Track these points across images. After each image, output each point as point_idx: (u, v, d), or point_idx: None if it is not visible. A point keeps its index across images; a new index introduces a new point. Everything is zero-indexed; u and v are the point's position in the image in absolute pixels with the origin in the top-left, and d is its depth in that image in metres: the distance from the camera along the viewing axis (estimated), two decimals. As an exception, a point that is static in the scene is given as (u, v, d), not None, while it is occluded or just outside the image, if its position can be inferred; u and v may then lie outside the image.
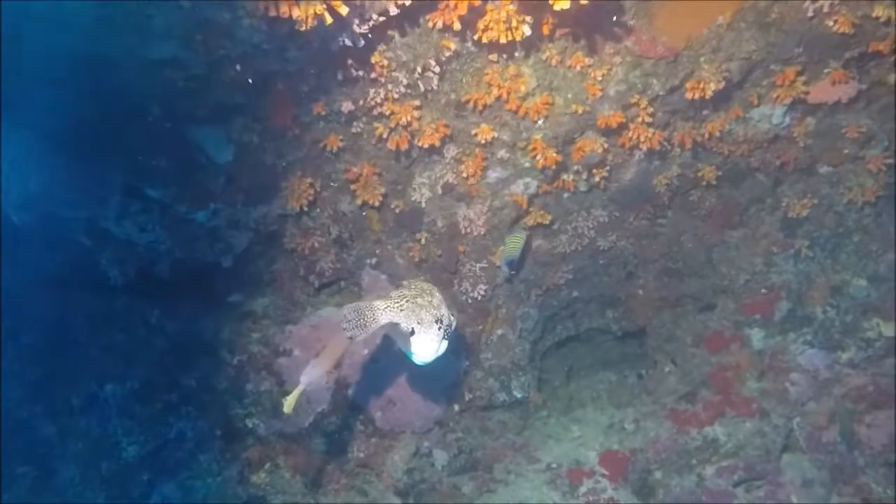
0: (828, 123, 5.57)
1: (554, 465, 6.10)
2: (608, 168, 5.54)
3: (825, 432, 5.90)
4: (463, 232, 5.56)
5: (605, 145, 5.28)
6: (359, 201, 5.41)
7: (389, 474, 5.84)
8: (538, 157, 5.10)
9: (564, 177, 5.62)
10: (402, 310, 3.12)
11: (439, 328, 3.16)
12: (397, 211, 5.56)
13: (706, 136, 5.51)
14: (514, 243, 5.55)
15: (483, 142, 5.02)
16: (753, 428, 5.92)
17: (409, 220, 5.58)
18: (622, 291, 6.88)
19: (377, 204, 5.42)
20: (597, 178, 5.58)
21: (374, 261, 5.83)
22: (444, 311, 3.25)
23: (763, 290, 6.21)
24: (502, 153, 5.21)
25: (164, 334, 5.37)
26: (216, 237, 5.14)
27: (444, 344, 3.25)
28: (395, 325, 3.13)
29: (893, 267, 6.03)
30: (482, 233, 5.58)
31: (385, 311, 3.07)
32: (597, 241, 6.30)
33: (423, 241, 5.65)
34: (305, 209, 5.41)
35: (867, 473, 5.78)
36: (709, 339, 6.37)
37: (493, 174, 5.38)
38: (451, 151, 5.23)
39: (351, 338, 3.01)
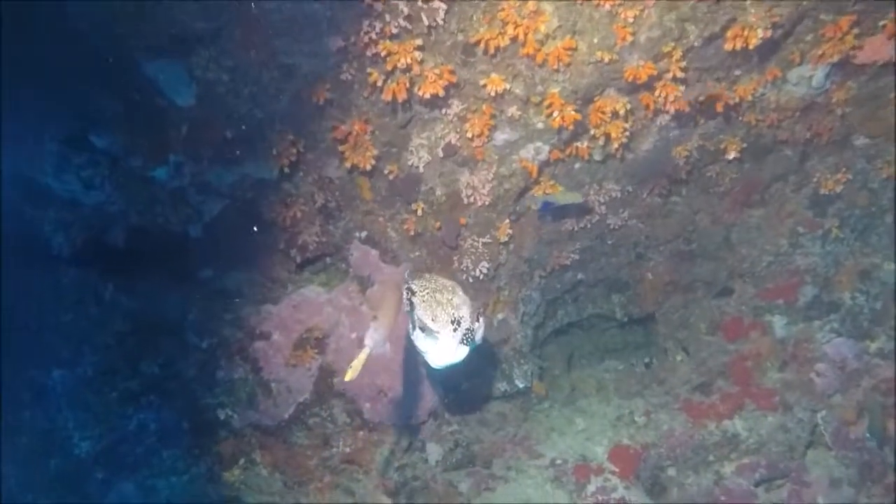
0: (871, 88, 4.74)
1: (559, 461, 5.24)
2: (628, 133, 4.63)
3: (853, 427, 5.10)
4: (465, 202, 4.65)
5: (628, 106, 4.39)
6: (347, 165, 4.48)
7: (378, 471, 4.94)
8: (555, 114, 4.21)
9: (578, 144, 4.72)
10: (423, 301, 2.69)
11: (455, 330, 2.66)
12: (391, 177, 4.63)
13: (738, 99, 4.63)
14: (566, 195, 4.81)
15: (493, 94, 4.12)
16: (776, 422, 5.10)
17: (405, 188, 4.65)
18: (630, 275, 6.03)
19: (368, 168, 4.49)
20: (615, 146, 4.67)
21: (363, 234, 4.90)
22: (464, 312, 2.72)
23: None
24: (513, 110, 4.29)
25: (121, 313, 4.41)
26: (181, 201, 4.19)
27: (463, 350, 2.71)
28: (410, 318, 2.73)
29: (928, 250, 5.23)
30: (486, 203, 4.67)
31: (416, 296, 2.70)
32: (607, 218, 5.43)
33: (419, 211, 4.72)
34: (286, 172, 4.45)
35: (896, 472, 4.99)
36: (726, 326, 5.54)
37: (502, 136, 4.46)
38: (454, 107, 4.30)
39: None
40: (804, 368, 5.25)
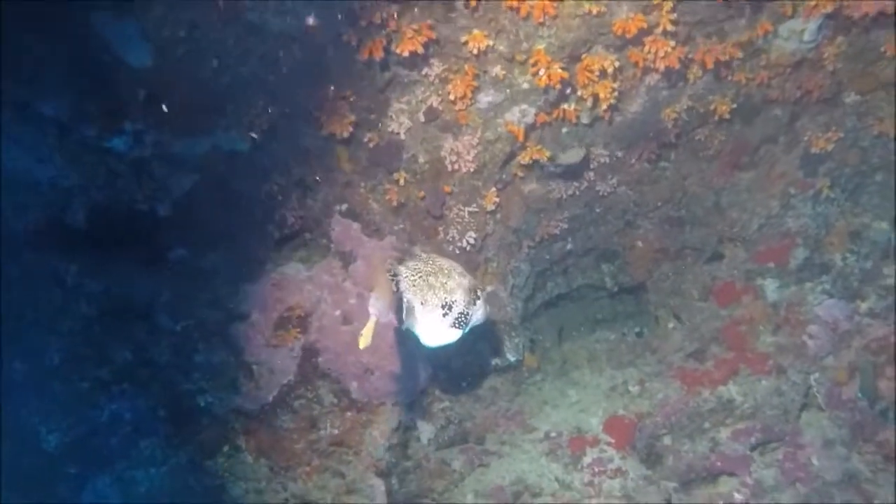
0: (863, 42, 4.55)
1: (553, 434, 5.06)
2: (616, 93, 4.38)
3: (845, 388, 4.98)
4: (449, 169, 4.38)
5: (616, 64, 4.13)
6: (324, 132, 4.16)
7: (369, 452, 4.70)
8: (541, 73, 3.94)
9: (565, 106, 4.45)
10: (413, 284, 2.69)
11: (444, 315, 2.66)
12: (371, 145, 4.34)
13: (728, 56, 4.40)
14: (569, 155, 4.61)
15: (475, 52, 3.83)
16: (770, 386, 4.97)
17: (386, 156, 4.37)
18: (620, 243, 5.82)
19: (346, 136, 4.18)
20: (603, 107, 4.41)
21: (344, 207, 4.61)
22: (458, 297, 2.69)
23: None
24: (497, 70, 4.01)
25: (86, 298, 4.07)
26: (146, 175, 3.85)
27: (455, 332, 2.71)
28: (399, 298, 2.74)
29: (917, 207, 5.09)
30: (471, 170, 4.40)
31: (403, 280, 2.71)
32: (596, 185, 5.20)
33: (401, 181, 4.44)
34: (260, 142, 4.13)
35: (889, 429, 4.90)
36: (718, 292, 5.37)
37: (486, 98, 4.19)
38: (435, 68, 4.00)
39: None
40: (797, 331, 5.11)
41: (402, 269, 2.79)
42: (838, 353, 5.09)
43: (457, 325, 2.71)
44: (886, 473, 4.70)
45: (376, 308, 2.76)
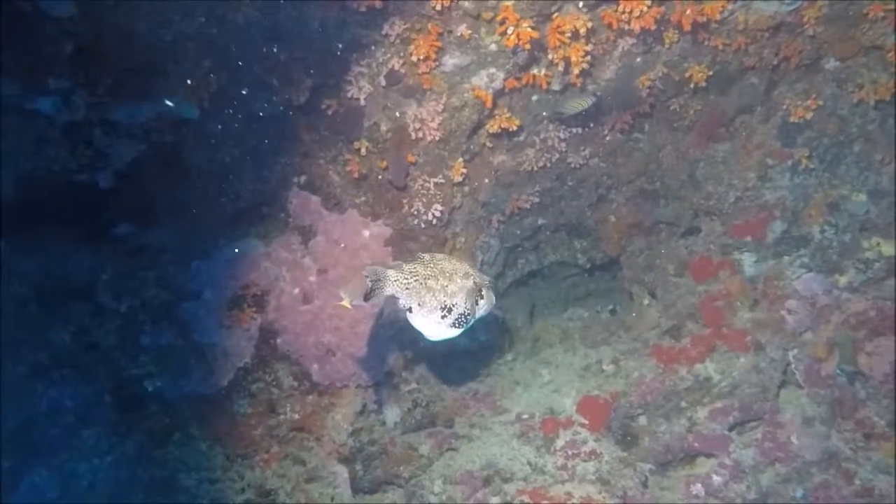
0: (843, 4, 4.30)
1: (525, 416, 4.82)
2: (589, 58, 4.11)
3: (824, 364, 4.80)
4: (413, 137, 4.08)
5: (589, 24, 3.86)
6: (278, 99, 3.84)
7: (331, 438, 4.43)
8: (509, 32, 3.64)
9: (535, 71, 4.18)
10: (407, 288, 2.77)
11: (443, 317, 2.78)
12: (329, 112, 4.02)
13: (705, 19, 4.15)
14: (575, 104, 4.30)
15: (438, 9, 3.53)
16: (748, 363, 4.76)
17: (346, 124, 4.06)
18: (592, 218, 5.58)
19: (303, 102, 3.86)
20: (575, 72, 4.15)
21: (302, 179, 4.31)
22: (458, 300, 2.79)
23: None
24: (462, 29, 3.72)
25: (20, 277, 3.71)
26: (82, 143, 3.49)
27: (456, 331, 2.85)
28: (396, 300, 2.81)
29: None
30: (437, 139, 4.11)
31: (392, 284, 2.76)
32: (568, 156, 4.95)
33: (363, 150, 4.14)
34: (210, 110, 3.80)
35: (868, 406, 4.73)
36: (694, 267, 5.15)
37: (451, 60, 3.90)
38: (396, 27, 3.69)
39: (364, 300, 2.74)
40: (775, 306, 4.91)
41: (390, 272, 2.80)
42: (817, 329, 4.90)
43: (457, 325, 2.83)
44: (866, 451, 4.55)
45: (350, 295, 2.78)
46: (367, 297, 2.73)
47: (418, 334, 2.87)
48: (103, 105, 3.42)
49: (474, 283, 2.87)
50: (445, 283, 2.79)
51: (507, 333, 5.60)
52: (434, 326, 2.80)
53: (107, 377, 3.92)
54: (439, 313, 2.76)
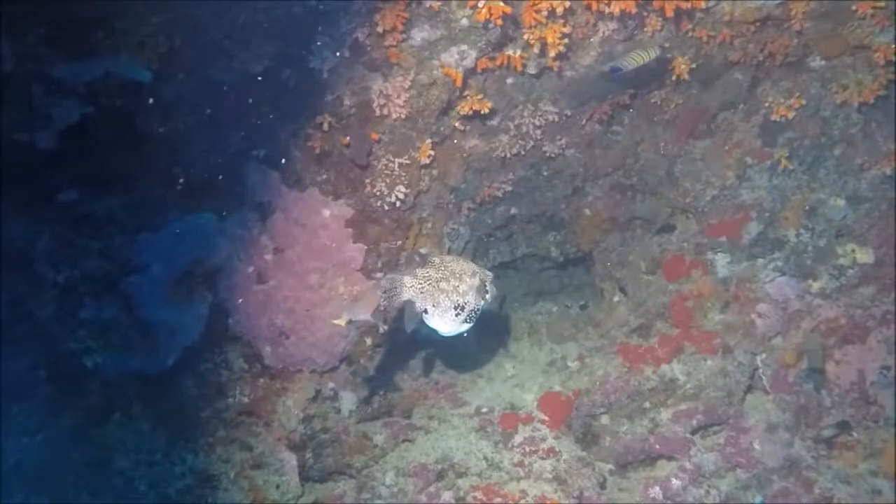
0: (832, 1, 4.08)
1: (484, 410, 4.61)
2: (566, 41, 3.86)
3: (792, 370, 4.62)
4: (377, 114, 3.82)
5: (567, 3, 3.61)
6: (236, 65, 3.56)
7: (281, 423, 4.20)
8: (480, 5, 3.38)
9: (510, 52, 3.93)
10: (421, 292, 3.05)
11: (456, 314, 3.07)
12: (291, 83, 3.75)
13: (690, 6, 3.92)
14: (637, 57, 3.85)
15: (405, -26, 3.26)
16: (715, 366, 4.56)
17: (307, 97, 3.78)
18: (567, 210, 5.36)
19: (261, 70, 3.59)
20: (551, 55, 3.90)
21: (262, 153, 4.04)
22: (469, 298, 3.08)
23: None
24: (431, 1, 3.44)
25: (-56, 240, 3.43)
26: (16, 98, 3.19)
27: (467, 325, 3.14)
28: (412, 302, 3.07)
29: (876, 185, 4.71)
30: (403, 116, 3.86)
31: (409, 290, 3.04)
32: (543, 145, 4.72)
33: (325, 125, 3.87)
34: (163, 73, 3.51)
35: (833, 414, 4.55)
36: (667, 265, 4.94)
37: (420, 34, 3.64)
38: (361, -7, 3.43)
39: (383, 308, 3.05)
40: (746, 309, 4.70)
41: (407, 279, 3.04)
42: (787, 334, 4.71)
43: (468, 320, 3.11)
44: (828, 460, 4.38)
45: (352, 313, 3.16)
46: (385, 307, 3.01)
47: (432, 330, 3.12)
48: (39, 58, 3.13)
49: (480, 279, 3.12)
50: (457, 284, 3.05)
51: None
52: (449, 324, 3.07)
53: (42, 350, 3.65)
54: (453, 312, 3.03)
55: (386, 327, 4.46)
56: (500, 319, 5.57)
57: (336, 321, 3.23)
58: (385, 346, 4.63)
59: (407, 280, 3.03)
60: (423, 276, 3.05)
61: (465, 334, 3.21)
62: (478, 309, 3.10)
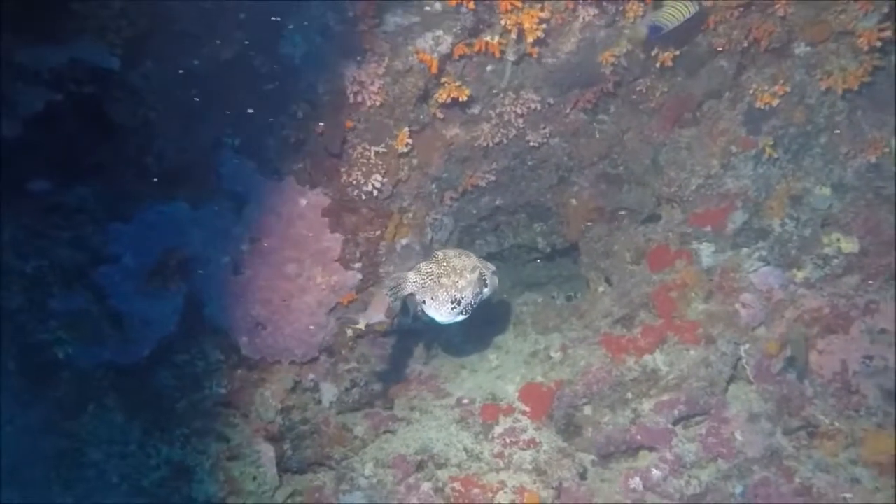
0: (817, -16, 3.97)
1: (465, 401, 4.53)
2: (544, 26, 3.75)
3: (775, 360, 4.54)
4: (351, 101, 3.71)
5: (545, -14, 3.51)
6: (206, 52, 3.45)
7: (259, 414, 4.12)
8: (453, -13, 3.27)
9: (487, 38, 3.82)
10: (423, 286, 3.18)
11: (453, 308, 3.21)
12: (263, 70, 3.64)
13: (671, -12, 3.80)
14: (674, 11, 3.61)
15: (375, -44, 3.14)
16: (698, 356, 4.48)
17: (280, 84, 3.67)
18: (553, 200, 5.25)
19: (231, 57, 3.48)
20: (529, 41, 3.79)
21: (237, 141, 3.92)
22: (467, 293, 3.23)
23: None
24: (404, -17, 3.34)
25: None
26: (-24, 83, 3.08)
27: (463, 316, 3.29)
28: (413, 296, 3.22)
29: (862, 173, 4.60)
30: (377, 104, 3.75)
31: (411, 284, 3.18)
32: (526, 133, 4.60)
33: (299, 113, 3.76)
34: (131, 59, 3.41)
35: (815, 404, 4.48)
36: (651, 255, 4.84)
37: (393, 19, 3.53)
38: (331, -24, 3.32)
39: (390, 306, 3.20)
40: (729, 299, 4.61)
41: (410, 275, 3.19)
42: (771, 324, 4.62)
43: (465, 313, 3.26)
44: (809, 450, 4.31)
45: (367, 317, 3.40)
46: (391, 302, 3.15)
47: (431, 319, 3.25)
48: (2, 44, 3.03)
49: (480, 274, 3.26)
50: (456, 279, 3.18)
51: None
52: (445, 315, 3.20)
53: (10, 341, 3.56)
54: (449, 306, 3.17)
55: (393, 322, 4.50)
56: (488, 311, 5.48)
57: (356, 326, 3.51)
58: (367, 338, 4.55)
59: (410, 275, 3.18)
60: (426, 272, 3.19)
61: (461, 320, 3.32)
62: (474, 303, 3.24)
